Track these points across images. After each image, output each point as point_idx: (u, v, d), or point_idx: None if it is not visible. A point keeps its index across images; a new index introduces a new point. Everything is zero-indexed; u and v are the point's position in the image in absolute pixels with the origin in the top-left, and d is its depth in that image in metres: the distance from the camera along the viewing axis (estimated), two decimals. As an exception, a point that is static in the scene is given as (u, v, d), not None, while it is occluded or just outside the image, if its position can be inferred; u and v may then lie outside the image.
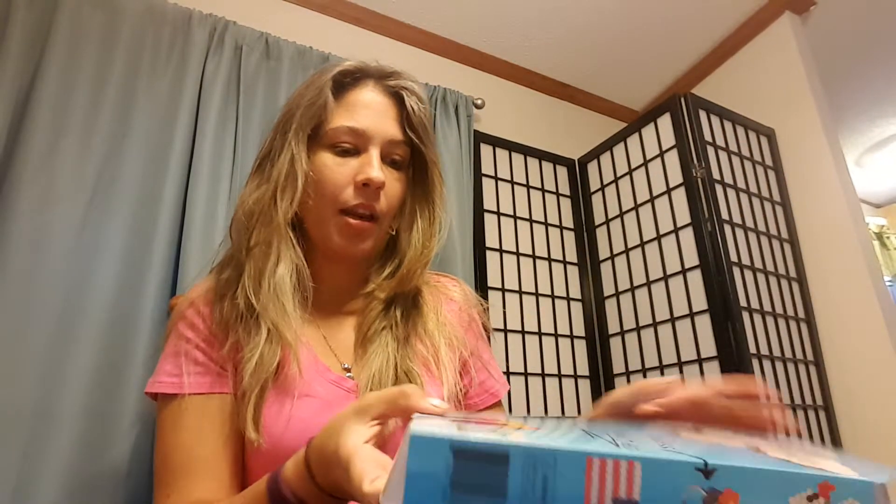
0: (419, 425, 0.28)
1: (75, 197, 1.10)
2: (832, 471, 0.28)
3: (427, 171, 0.73)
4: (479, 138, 1.76)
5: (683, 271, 1.53)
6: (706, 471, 0.27)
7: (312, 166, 0.67)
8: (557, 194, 1.88)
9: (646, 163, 1.70)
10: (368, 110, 0.68)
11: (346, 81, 0.70)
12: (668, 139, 1.62)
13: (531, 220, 1.77)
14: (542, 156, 1.88)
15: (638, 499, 0.27)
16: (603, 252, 1.81)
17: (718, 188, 1.53)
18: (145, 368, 1.06)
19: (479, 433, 0.28)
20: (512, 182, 1.78)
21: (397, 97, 0.71)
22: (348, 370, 0.68)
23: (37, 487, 0.92)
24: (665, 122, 1.65)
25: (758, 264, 1.53)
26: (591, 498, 0.26)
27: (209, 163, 1.25)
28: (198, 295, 0.69)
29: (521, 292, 1.65)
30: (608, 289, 1.76)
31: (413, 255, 0.71)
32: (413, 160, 0.73)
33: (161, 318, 1.10)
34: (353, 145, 0.68)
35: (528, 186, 1.81)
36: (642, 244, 1.67)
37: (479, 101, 1.80)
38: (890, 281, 3.04)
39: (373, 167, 0.66)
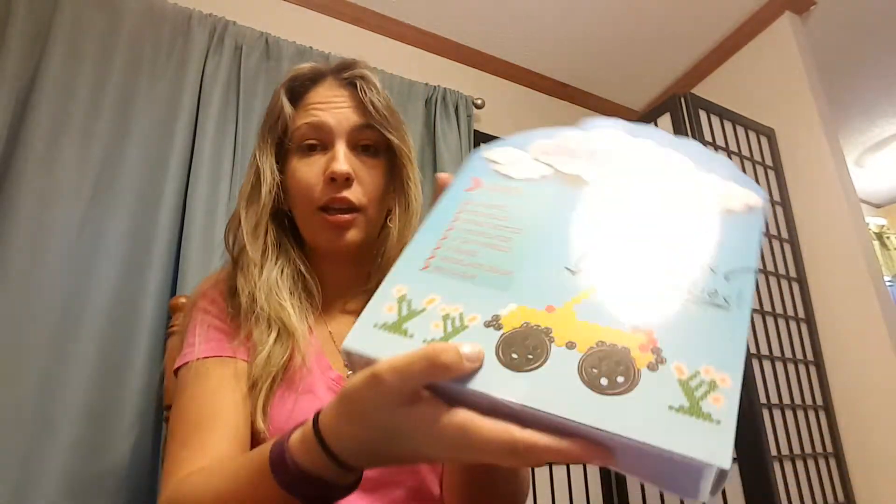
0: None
1: (75, 197, 1.10)
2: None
3: (397, 156, 0.72)
4: (479, 138, 1.76)
5: (683, 271, 1.52)
6: None
7: (286, 175, 0.69)
8: (557, 194, 1.87)
9: (646, 163, 1.69)
10: (326, 104, 0.69)
11: (299, 85, 0.72)
12: (668, 139, 1.62)
13: (531, 220, 1.77)
14: (542, 156, 1.88)
15: None
16: (603, 252, 1.80)
17: (718, 188, 1.52)
18: (145, 369, 1.06)
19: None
20: (512, 182, 1.78)
21: (355, 87, 0.71)
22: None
23: (37, 488, 0.92)
24: (665, 122, 1.64)
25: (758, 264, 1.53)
26: None
27: (209, 163, 1.25)
28: (218, 280, 0.71)
29: (521, 292, 1.65)
30: (608, 289, 1.76)
31: (390, 244, 0.71)
32: (388, 148, 0.73)
33: (161, 318, 1.10)
34: (318, 141, 0.68)
35: (528, 186, 1.80)
36: (642, 244, 1.66)
37: (479, 101, 1.80)
38: (890, 281, 3.04)
39: (338, 160, 0.66)
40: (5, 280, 0.99)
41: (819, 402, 1.48)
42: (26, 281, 1.01)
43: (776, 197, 1.70)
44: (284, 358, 0.62)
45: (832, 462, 1.43)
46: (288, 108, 0.69)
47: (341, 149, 0.67)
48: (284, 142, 0.69)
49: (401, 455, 0.37)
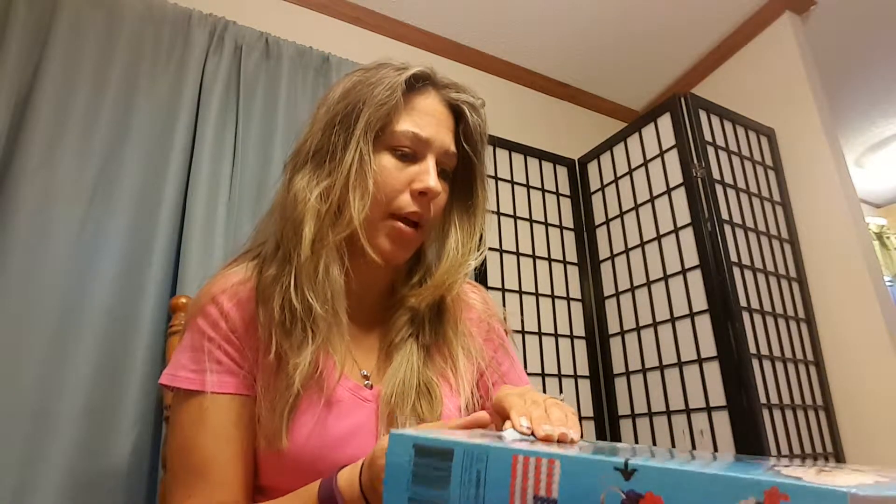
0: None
1: (75, 197, 1.10)
2: (798, 478, 0.23)
3: (474, 183, 0.73)
4: (479, 138, 1.76)
5: (683, 271, 1.53)
6: (626, 471, 0.26)
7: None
8: (557, 194, 1.88)
9: (646, 163, 1.69)
10: (432, 118, 0.68)
11: (415, 85, 0.69)
12: (668, 139, 1.62)
13: (531, 220, 1.77)
14: (542, 156, 1.88)
15: (556, 497, 0.27)
16: (603, 252, 1.81)
17: (718, 188, 1.53)
18: (145, 368, 1.06)
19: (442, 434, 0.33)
20: (512, 182, 1.78)
21: (455, 109, 0.71)
22: (367, 377, 0.68)
23: (37, 487, 0.92)
24: (665, 122, 1.64)
25: (758, 264, 1.53)
26: (514, 491, 0.29)
27: (209, 163, 1.25)
28: (222, 290, 0.65)
29: (521, 292, 1.65)
30: (608, 289, 1.76)
31: (449, 265, 0.70)
32: (458, 172, 0.73)
33: (161, 317, 1.10)
34: (412, 151, 0.67)
35: (528, 186, 1.81)
36: (642, 244, 1.67)
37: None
38: (890, 281, 3.04)
39: (431, 176, 0.65)
40: (5, 280, 0.99)
41: (819, 402, 1.48)
42: (26, 281, 1.01)
43: (776, 197, 1.70)
44: (317, 373, 0.61)
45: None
46: (402, 105, 0.66)
47: (433, 165, 0.67)
48: (380, 135, 0.66)
49: None
